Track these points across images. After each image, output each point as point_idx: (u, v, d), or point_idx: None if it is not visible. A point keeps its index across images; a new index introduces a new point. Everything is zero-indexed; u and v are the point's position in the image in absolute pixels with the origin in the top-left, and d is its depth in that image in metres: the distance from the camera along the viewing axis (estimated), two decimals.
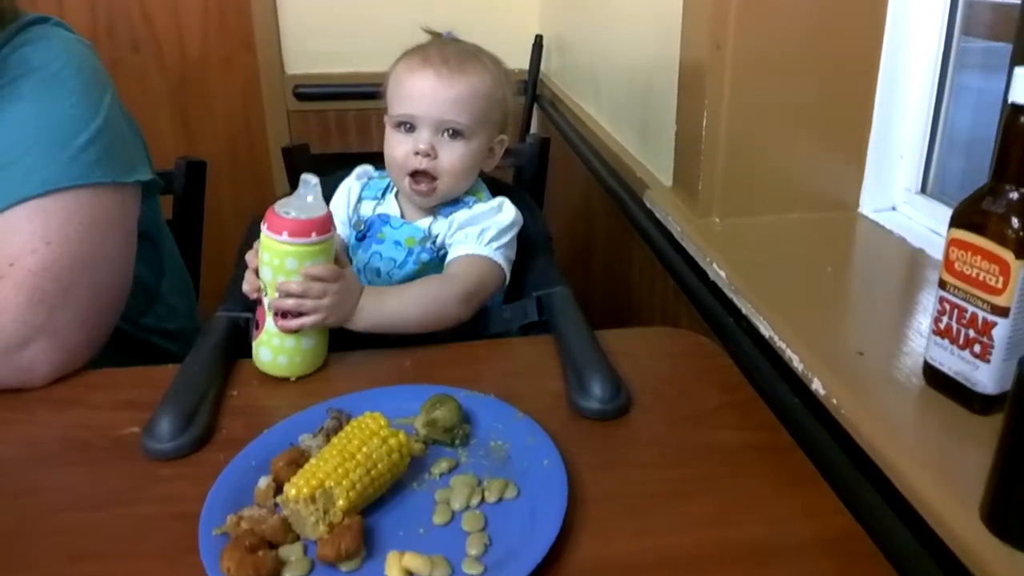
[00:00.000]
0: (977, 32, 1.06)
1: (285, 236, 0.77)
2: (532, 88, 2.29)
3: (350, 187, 1.05)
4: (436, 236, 0.97)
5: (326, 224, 0.79)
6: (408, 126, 0.95)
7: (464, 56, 0.95)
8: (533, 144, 1.38)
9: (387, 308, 0.87)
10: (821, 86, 1.02)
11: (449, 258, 0.96)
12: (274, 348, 0.81)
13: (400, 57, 0.98)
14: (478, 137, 0.96)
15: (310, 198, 0.79)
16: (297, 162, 1.34)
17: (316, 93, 2.40)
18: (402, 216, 1.00)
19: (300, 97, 2.42)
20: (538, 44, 2.28)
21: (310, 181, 0.79)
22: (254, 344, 0.83)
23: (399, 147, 0.95)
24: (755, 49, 0.99)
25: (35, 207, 0.84)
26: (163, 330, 1.07)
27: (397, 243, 0.98)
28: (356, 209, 1.03)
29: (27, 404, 0.80)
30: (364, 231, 1.00)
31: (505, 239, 0.97)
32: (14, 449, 0.73)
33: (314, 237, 0.78)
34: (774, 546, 0.59)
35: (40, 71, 0.88)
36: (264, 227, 0.78)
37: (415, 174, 0.95)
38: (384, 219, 1.00)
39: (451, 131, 0.94)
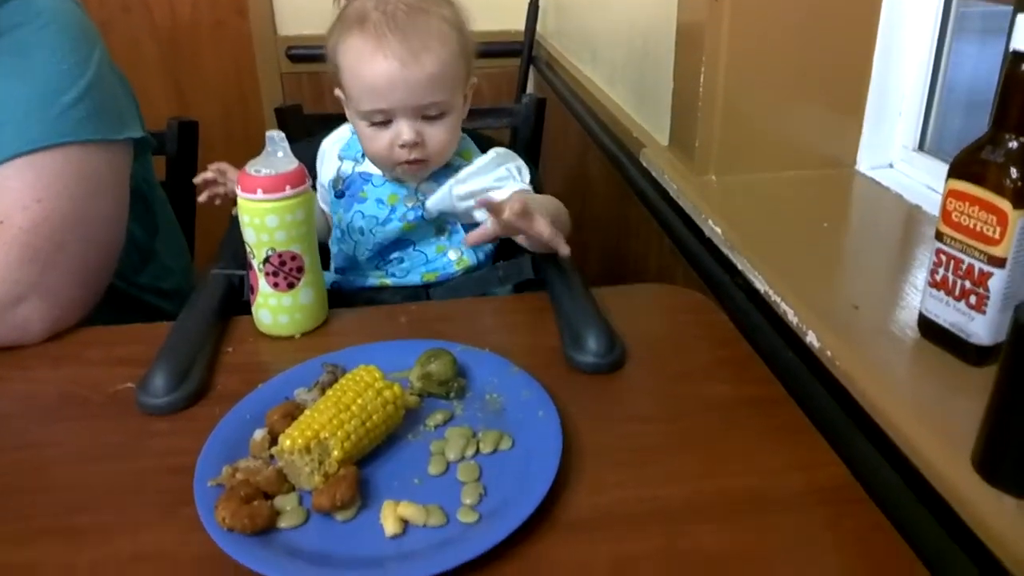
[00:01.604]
0: None
1: (260, 194, 0.76)
2: (528, 49, 2.26)
3: (327, 148, 1.01)
4: (425, 195, 0.93)
5: (300, 176, 0.78)
6: (383, 120, 0.88)
7: (416, 17, 0.84)
8: (529, 105, 1.36)
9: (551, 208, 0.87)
10: (820, 43, 1.00)
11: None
12: (272, 309, 0.81)
13: (340, 27, 0.87)
14: (457, 103, 0.90)
15: (280, 153, 0.78)
16: (290, 122, 1.33)
17: (309, 55, 2.37)
18: (384, 175, 0.96)
19: (293, 59, 2.39)
20: (534, 5, 2.24)
21: (275, 137, 0.78)
22: (253, 309, 0.82)
23: (378, 141, 0.88)
24: (753, 4, 0.97)
25: (24, 164, 0.83)
26: (158, 289, 1.06)
27: (379, 201, 0.94)
28: (337, 169, 0.99)
29: (23, 361, 0.80)
30: (343, 188, 0.97)
31: (529, 177, 0.94)
32: (11, 405, 0.73)
33: (289, 191, 0.77)
34: (768, 497, 0.59)
35: (25, 27, 0.86)
36: (238, 190, 0.77)
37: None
38: (365, 177, 0.96)
39: (432, 112, 0.87)
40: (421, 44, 0.83)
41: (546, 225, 0.79)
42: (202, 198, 0.97)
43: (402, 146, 0.87)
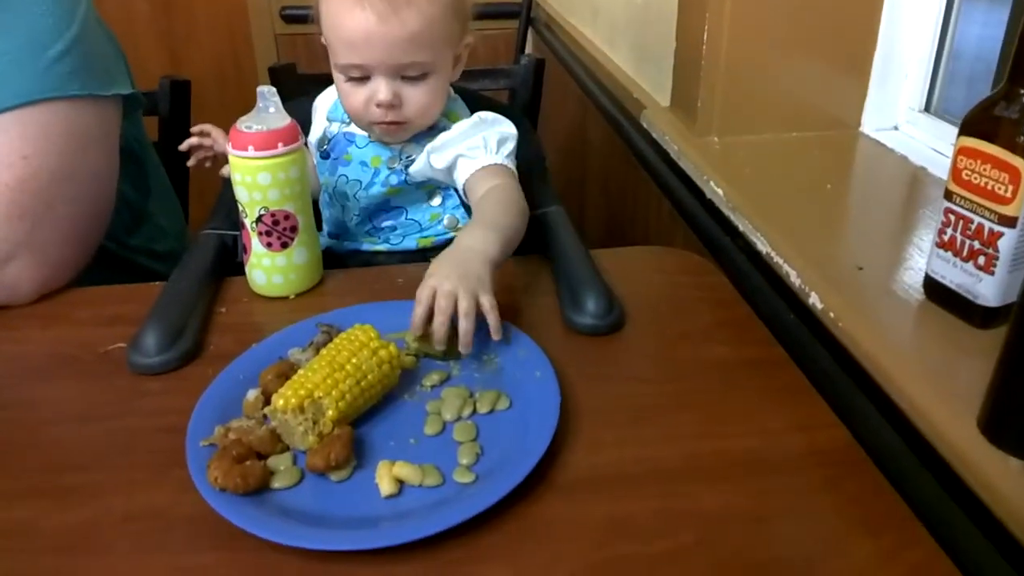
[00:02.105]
0: None
1: (251, 151, 0.74)
2: (527, 11, 2.22)
3: (319, 105, 0.98)
4: (409, 157, 0.89)
5: (292, 133, 0.76)
6: (360, 75, 0.82)
7: None
8: (527, 66, 1.34)
9: (499, 242, 0.74)
10: (826, 1, 0.98)
11: (468, 174, 0.85)
12: (266, 269, 0.79)
13: None
14: (442, 65, 0.84)
15: (272, 109, 0.76)
16: (284, 82, 1.30)
17: (304, 15, 2.32)
18: (368, 136, 0.92)
19: (287, 19, 2.35)
20: None
21: (266, 92, 0.76)
22: (247, 269, 0.81)
23: (354, 97, 0.83)
24: None
25: (10, 120, 0.81)
26: (151, 250, 1.05)
27: (363, 163, 0.91)
28: (324, 129, 0.95)
29: (12, 321, 0.78)
30: (328, 149, 0.93)
31: (511, 147, 0.89)
32: (0, 364, 0.72)
33: (281, 148, 0.75)
34: (767, 458, 0.58)
35: None
36: (229, 147, 0.76)
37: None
38: (350, 138, 0.92)
39: (413, 73, 0.82)
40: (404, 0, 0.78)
41: (465, 315, 0.66)
42: (191, 163, 0.95)
43: (378, 105, 0.82)
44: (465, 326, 0.65)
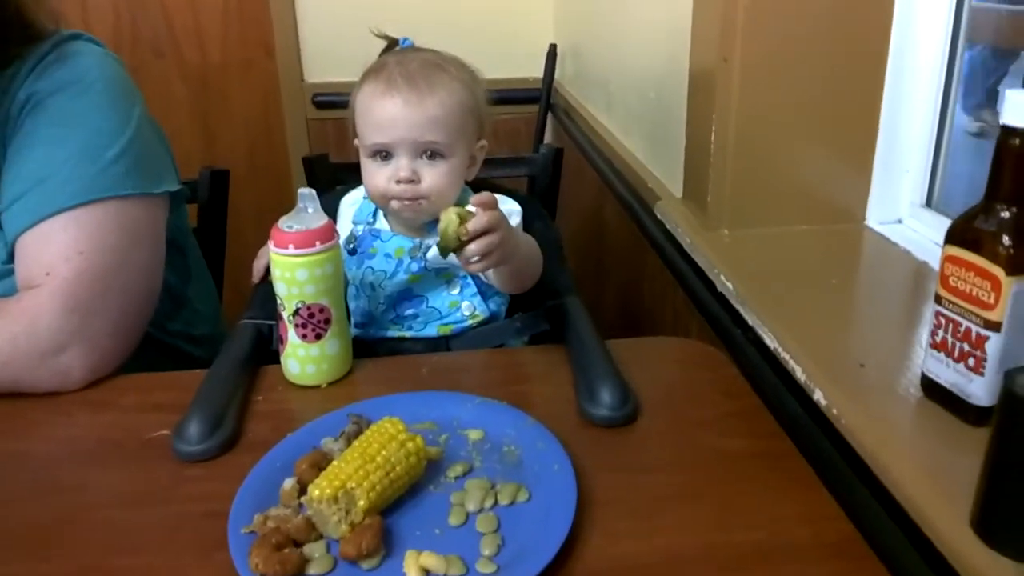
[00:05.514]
0: (982, 38, 1.08)
1: (291, 249, 0.81)
2: (546, 97, 2.31)
3: (344, 209, 1.06)
4: (427, 248, 0.97)
5: (328, 232, 0.83)
6: (384, 154, 0.93)
7: (429, 70, 0.92)
8: (547, 155, 1.41)
9: (520, 251, 0.88)
10: (827, 100, 1.04)
11: None
12: (300, 359, 0.84)
13: (362, 79, 0.95)
14: (458, 153, 0.94)
15: (310, 210, 0.83)
16: (317, 171, 1.38)
17: (335, 101, 2.44)
18: (392, 230, 1.00)
19: (319, 105, 2.46)
20: (552, 53, 2.30)
21: (306, 194, 0.83)
22: (282, 359, 0.86)
23: (377, 176, 0.93)
24: (762, 63, 1.01)
25: (68, 219, 0.88)
26: (189, 335, 1.10)
27: (387, 255, 0.98)
28: (350, 231, 1.03)
29: (63, 406, 0.84)
30: (356, 246, 1.01)
31: (517, 220, 0.97)
32: (52, 448, 0.77)
33: (318, 246, 0.81)
34: (775, 549, 0.61)
35: (73, 86, 0.92)
36: (271, 244, 0.82)
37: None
38: (375, 234, 1.00)
39: (430, 152, 0.92)
40: (428, 89, 0.91)
41: (485, 242, 0.81)
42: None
43: (398, 181, 0.92)
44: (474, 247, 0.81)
